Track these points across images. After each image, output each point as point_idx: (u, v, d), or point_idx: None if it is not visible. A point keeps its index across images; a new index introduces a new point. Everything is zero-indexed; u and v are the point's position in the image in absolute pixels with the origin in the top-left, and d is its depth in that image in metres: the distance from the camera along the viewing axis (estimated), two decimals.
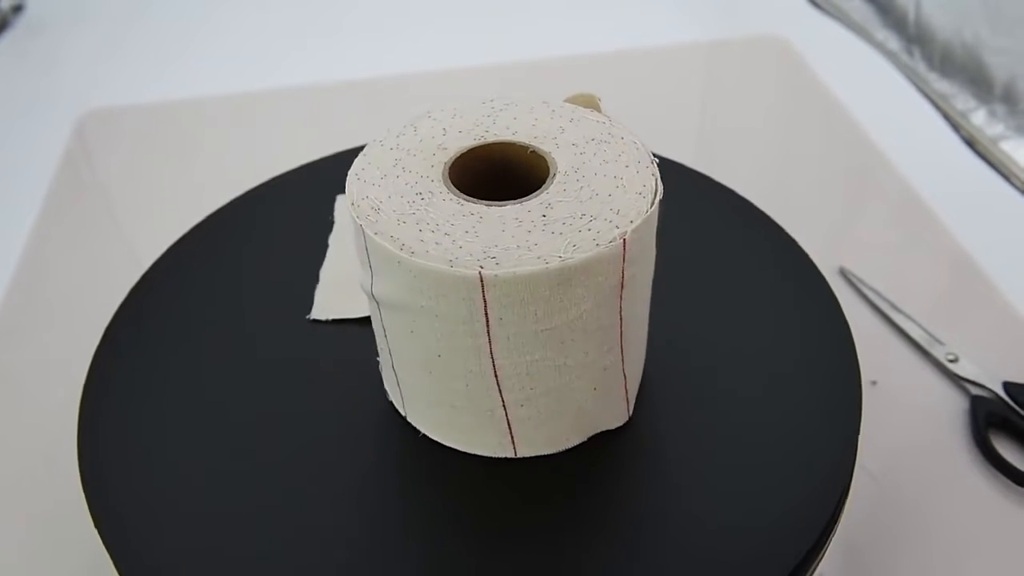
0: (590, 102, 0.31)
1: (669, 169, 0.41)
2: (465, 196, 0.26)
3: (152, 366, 0.33)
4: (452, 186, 0.27)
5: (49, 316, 0.46)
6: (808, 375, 0.31)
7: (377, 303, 0.27)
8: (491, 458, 0.29)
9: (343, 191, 0.39)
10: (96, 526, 0.28)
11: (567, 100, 0.31)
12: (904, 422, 0.38)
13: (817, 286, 0.35)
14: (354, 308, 0.34)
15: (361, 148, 0.43)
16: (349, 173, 0.28)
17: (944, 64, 0.63)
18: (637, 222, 0.25)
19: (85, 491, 0.29)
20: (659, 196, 0.26)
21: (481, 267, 0.24)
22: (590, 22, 0.72)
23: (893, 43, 0.67)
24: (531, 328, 0.25)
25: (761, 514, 0.27)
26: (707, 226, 0.38)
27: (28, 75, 0.68)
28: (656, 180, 0.27)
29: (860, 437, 0.29)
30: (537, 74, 0.64)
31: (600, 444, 0.29)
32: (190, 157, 0.58)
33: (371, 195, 0.27)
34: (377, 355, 0.31)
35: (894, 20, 0.68)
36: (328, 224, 0.39)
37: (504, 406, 0.27)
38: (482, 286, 0.24)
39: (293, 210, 0.40)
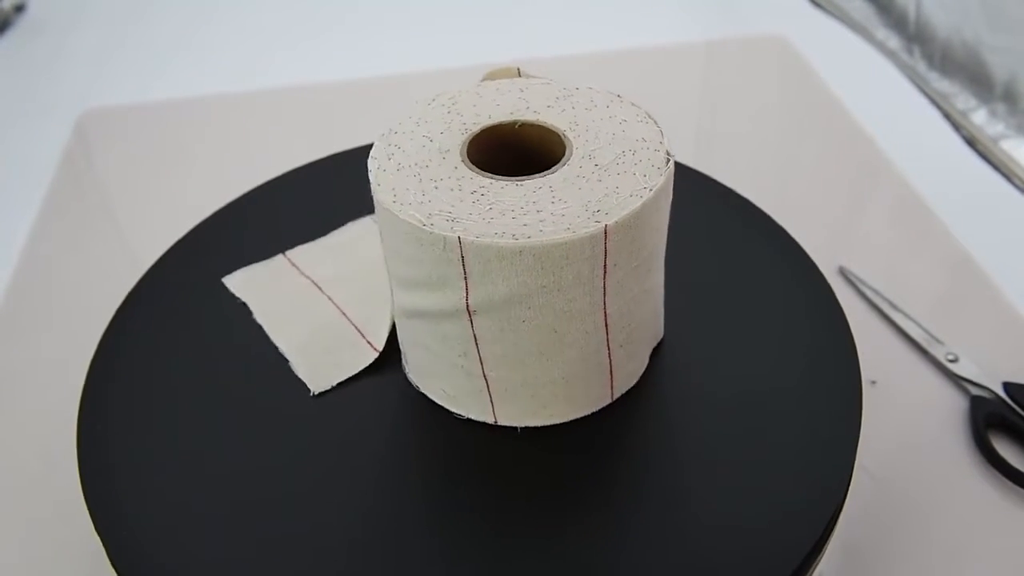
0: (511, 74, 0.32)
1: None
2: (517, 177, 0.27)
3: (153, 367, 0.33)
4: (494, 175, 0.27)
5: (48, 316, 0.46)
6: (808, 375, 0.31)
7: (470, 315, 0.27)
8: (589, 416, 0.30)
9: (343, 189, 0.40)
10: (96, 527, 0.28)
11: (486, 78, 0.32)
12: (903, 422, 0.38)
13: (817, 286, 0.35)
14: (348, 366, 0.32)
15: (361, 148, 0.43)
16: (389, 204, 0.26)
17: (944, 63, 0.63)
18: (666, 141, 0.28)
19: (85, 492, 0.28)
20: (654, 117, 0.29)
21: (599, 222, 0.25)
22: (590, 22, 0.72)
23: (893, 42, 0.67)
24: (633, 265, 0.27)
25: (761, 513, 0.27)
26: (707, 226, 0.38)
27: (29, 74, 0.68)
28: (637, 106, 0.30)
29: (859, 437, 0.29)
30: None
31: (599, 439, 0.29)
32: (190, 157, 0.58)
33: (436, 211, 0.26)
34: (411, 384, 0.31)
35: (894, 19, 0.68)
36: (319, 228, 0.39)
37: (610, 355, 0.29)
38: (605, 238, 0.25)
39: (293, 210, 0.40)
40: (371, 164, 0.28)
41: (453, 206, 0.26)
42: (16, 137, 0.61)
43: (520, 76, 0.32)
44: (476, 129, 0.29)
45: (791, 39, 0.66)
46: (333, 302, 0.34)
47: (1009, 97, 0.58)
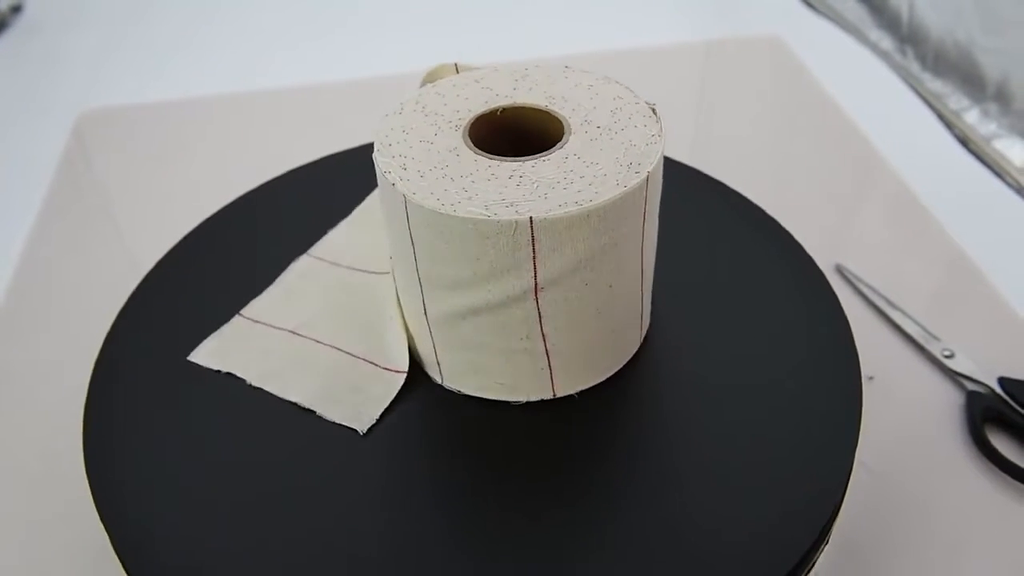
0: (450, 71, 0.33)
1: (669, 168, 0.41)
2: (540, 155, 0.28)
3: (157, 367, 0.33)
4: (517, 157, 0.28)
5: (48, 317, 0.46)
6: (808, 372, 0.32)
7: (536, 294, 0.27)
8: (622, 369, 0.32)
9: (342, 189, 0.40)
10: (104, 524, 0.28)
11: (426, 79, 0.33)
12: (900, 417, 0.39)
13: (816, 283, 0.35)
14: (382, 395, 0.31)
15: (359, 148, 0.43)
16: (439, 209, 0.26)
17: (937, 64, 0.63)
18: (647, 97, 0.30)
19: (92, 489, 0.29)
20: (618, 79, 0.31)
21: (638, 172, 0.27)
22: (586, 22, 0.73)
23: (886, 43, 0.68)
24: (655, 209, 0.29)
25: (761, 510, 0.27)
26: (707, 224, 0.38)
27: (27, 75, 0.68)
28: (589, 72, 0.32)
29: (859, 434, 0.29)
30: None
31: (599, 444, 0.30)
32: (189, 157, 0.58)
33: (490, 201, 0.26)
34: (449, 390, 0.31)
35: (887, 20, 0.68)
36: (319, 228, 0.39)
37: (642, 300, 0.31)
38: (647, 187, 0.27)
39: (293, 210, 0.40)
40: (390, 179, 0.27)
41: (501, 193, 0.27)
42: (15, 138, 0.61)
43: (458, 72, 0.33)
44: (466, 124, 0.30)
45: (786, 40, 0.67)
46: (323, 343, 0.33)
47: (1001, 97, 0.58)
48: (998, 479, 0.36)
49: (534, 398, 0.31)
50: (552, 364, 0.30)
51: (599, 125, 0.29)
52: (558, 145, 0.28)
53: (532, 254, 0.26)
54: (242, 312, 0.35)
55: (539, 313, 0.28)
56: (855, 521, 0.34)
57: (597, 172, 0.27)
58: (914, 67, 0.65)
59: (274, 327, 0.34)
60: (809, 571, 0.28)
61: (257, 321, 0.34)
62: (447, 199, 0.26)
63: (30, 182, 0.55)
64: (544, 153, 0.28)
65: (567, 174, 0.27)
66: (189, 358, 0.33)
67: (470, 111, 0.30)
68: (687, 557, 0.26)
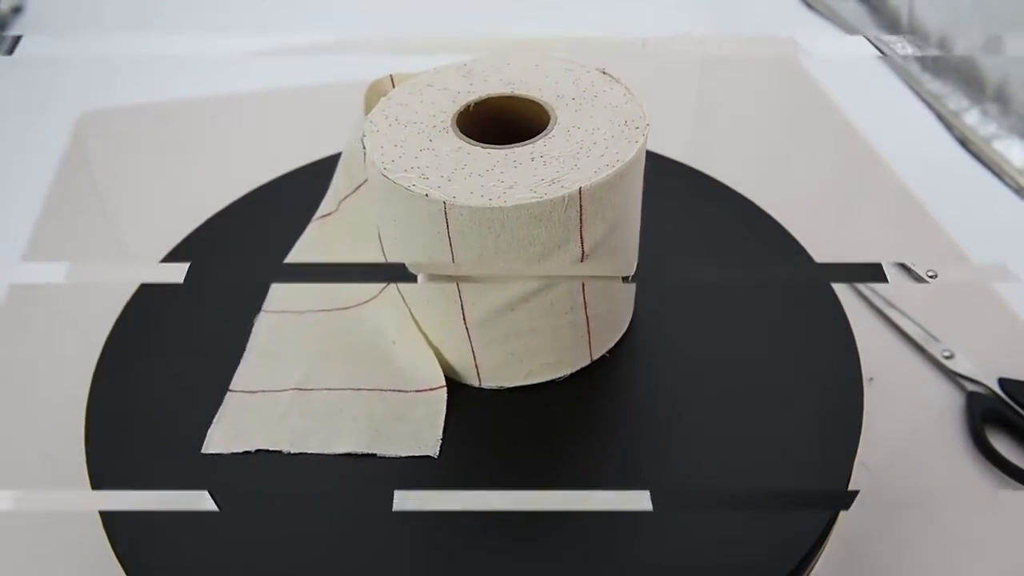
0: (388, 84, 0.33)
1: (669, 168, 0.41)
2: (543, 135, 0.29)
3: (157, 369, 0.33)
4: (524, 141, 0.29)
5: (48, 320, 0.46)
6: (808, 372, 0.32)
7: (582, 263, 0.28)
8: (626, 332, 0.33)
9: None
10: (105, 527, 0.28)
11: (370, 92, 0.33)
12: (901, 418, 0.39)
13: (817, 284, 0.35)
14: (433, 415, 0.30)
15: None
16: (485, 204, 0.26)
17: (937, 64, 0.63)
18: (622, 80, 0.31)
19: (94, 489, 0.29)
20: (586, 63, 0.32)
21: (638, 128, 0.28)
22: (585, 22, 0.73)
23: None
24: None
25: (761, 512, 0.27)
26: (706, 223, 0.38)
27: (27, 76, 0.68)
28: (527, 56, 0.32)
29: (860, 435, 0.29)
30: None
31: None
32: (190, 158, 0.58)
33: (533, 184, 0.26)
34: (485, 390, 0.31)
35: (887, 20, 0.68)
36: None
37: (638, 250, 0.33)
38: (645, 142, 0.29)
39: (294, 211, 0.40)
40: (419, 190, 0.27)
41: (535, 175, 0.27)
42: (15, 139, 0.61)
43: (394, 85, 0.32)
44: (450, 124, 0.30)
45: (785, 40, 0.67)
46: (337, 389, 0.31)
47: (1001, 98, 0.58)
48: (998, 480, 0.36)
49: (574, 368, 0.31)
50: (591, 329, 0.30)
51: (573, 97, 0.30)
52: (552, 121, 0.29)
53: (580, 224, 0.27)
54: (232, 388, 0.32)
55: (582, 283, 0.29)
56: (855, 521, 0.34)
57: (605, 135, 0.28)
58: (913, 67, 0.65)
59: (276, 391, 0.32)
60: (809, 572, 0.28)
61: (253, 391, 0.32)
62: (489, 193, 0.26)
63: (30, 183, 0.55)
64: (547, 131, 0.29)
65: (580, 143, 0.28)
66: (204, 450, 0.30)
67: (444, 112, 0.30)
68: (688, 555, 0.26)
